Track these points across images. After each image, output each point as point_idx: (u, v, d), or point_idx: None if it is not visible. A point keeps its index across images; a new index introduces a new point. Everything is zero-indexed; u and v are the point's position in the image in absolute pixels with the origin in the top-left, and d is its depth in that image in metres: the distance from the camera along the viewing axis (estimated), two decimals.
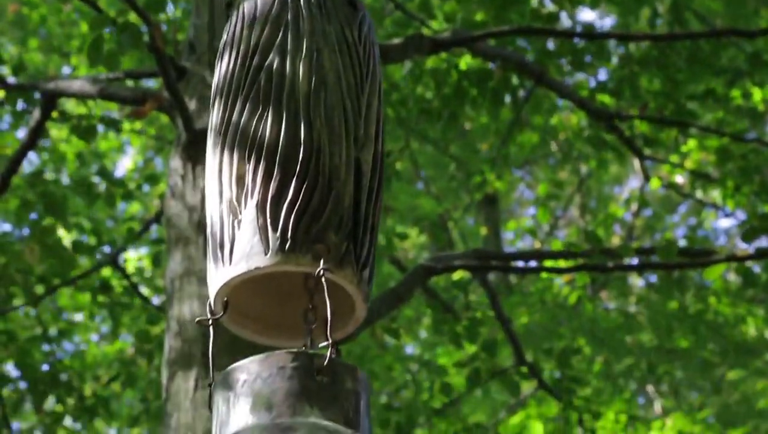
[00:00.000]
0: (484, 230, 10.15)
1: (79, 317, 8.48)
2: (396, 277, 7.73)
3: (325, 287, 1.46)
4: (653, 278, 8.92)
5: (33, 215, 5.79)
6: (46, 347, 6.52)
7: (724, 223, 14.70)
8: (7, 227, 8.45)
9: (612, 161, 6.80)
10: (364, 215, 1.53)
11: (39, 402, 6.13)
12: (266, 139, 1.52)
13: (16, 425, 6.96)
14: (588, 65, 5.90)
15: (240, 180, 1.52)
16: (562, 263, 5.95)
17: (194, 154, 4.12)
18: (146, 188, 7.38)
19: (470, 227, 10.28)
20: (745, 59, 6.05)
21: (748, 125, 6.74)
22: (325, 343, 1.46)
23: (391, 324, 6.03)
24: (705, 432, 7.35)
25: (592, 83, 6.38)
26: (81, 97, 4.78)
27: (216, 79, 1.61)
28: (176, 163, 4.18)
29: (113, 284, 6.51)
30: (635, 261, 5.64)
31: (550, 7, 6.28)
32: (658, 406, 11.16)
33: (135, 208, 8.56)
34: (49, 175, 6.21)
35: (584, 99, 5.86)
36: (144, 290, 7.12)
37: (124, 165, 10.20)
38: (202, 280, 3.89)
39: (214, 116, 1.59)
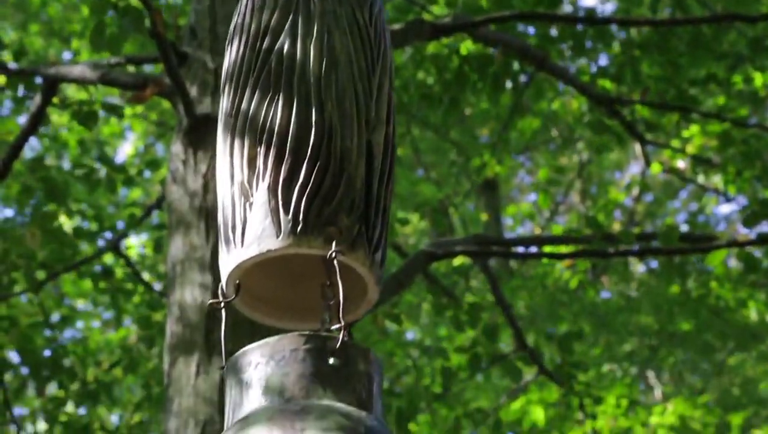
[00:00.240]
0: (484, 216, 10.16)
1: (81, 304, 8.50)
2: (397, 263, 7.74)
3: (337, 270, 1.45)
4: (654, 264, 8.92)
5: (34, 200, 5.79)
6: (47, 333, 6.53)
7: (725, 209, 14.71)
8: (9, 212, 8.46)
9: (612, 146, 6.79)
10: (375, 198, 1.53)
11: (41, 388, 6.14)
12: (277, 122, 1.52)
13: (18, 411, 6.97)
14: (589, 50, 5.90)
15: (251, 163, 1.52)
16: (562, 249, 5.95)
17: (195, 139, 4.12)
18: (147, 174, 7.38)
19: (470, 213, 10.29)
20: (747, 44, 6.04)
21: (750, 110, 6.73)
22: (337, 325, 1.46)
23: (393, 310, 6.03)
24: (706, 416, 7.36)
25: (594, 68, 6.37)
26: (82, 82, 4.77)
27: (226, 63, 1.61)
28: (177, 148, 4.17)
29: (115, 270, 6.52)
30: (636, 247, 5.64)
31: None
32: (658, 392, 11.18)
33: (136, 194, 8.56)
34: (50, 161, 6.21)
35: (585, 84, 5.86)
36: (146, 276, 7.12)
37: (125, 151, 10.18)
38: (204, 266, 3.89)
39: (225, 100, 1.58)
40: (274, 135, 1.52)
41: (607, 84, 6.18)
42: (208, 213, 3.98)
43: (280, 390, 1.42)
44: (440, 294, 6.54)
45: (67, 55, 8.48)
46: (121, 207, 7.61)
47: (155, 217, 7.06)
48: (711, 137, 6.52)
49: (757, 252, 5.99)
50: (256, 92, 1.55)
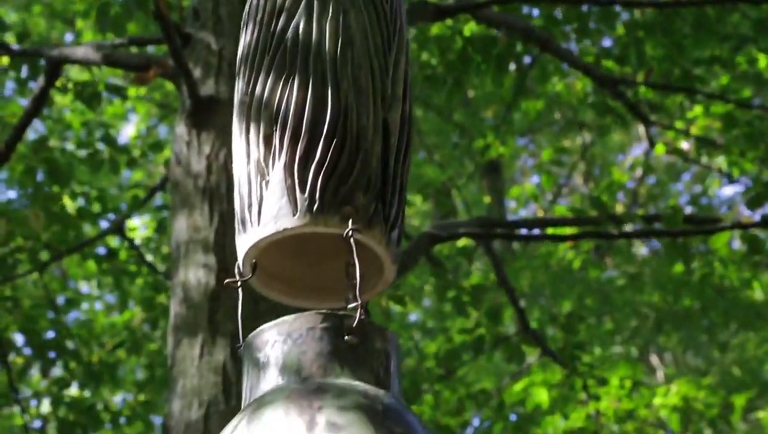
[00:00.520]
0: (487, 199, 10.16)
1: (86, 286, 8.51)
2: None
3: (354, 248, 1.45)
4: (657, 245, 8.92)
5: (39, 179, 5.79)
6: (51, 314, 6.54)
7: (728, 191, 14.70)
8: (12, 194, 8.46)
9: (616, 128, 6.78)
10: (392, 176, 1.52)
11: (45, 369, 6.16)
12: (293, 100, 1.51)
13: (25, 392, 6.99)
14: (593, 32, 5.88)
15: (267, 141, 1.52)
16: (566, 230, 5.95)
17: (199, 121, 4.12)
18: (150, 156, 7.38)
19: (473, 195, 10.29)
20: (750, 25, 6.02)
21: (754, 91, 6.72)
22: (354, 304, 1.46)
23: (396, 292, 6.04)
24: (709, 397, 7.37)
25: (597, 50, 6.36)
26: (85, 63, 4.77)
27: (241, 46, 1.60)
28: (181, 129, 4.17)
29: (119, 252, 6.52)
30: (640, 228, 5.63)
31: None
32: (660, 374, 11.19)
33: (139, 175, 8.56)
34: (53, 143, 6.20)
35: (589, 66, 5.84)
36: (149, 258, 7.13)
37: (127, 133, 10.18)
38: (208, 247, 3.90)
39: (241, 81, 1.58)
40: (290, 114, 1.51)
41: (611, 65, 6.16)
42: (212, 194, 3.99)
43: (298, 368, 1.42)
44: (443, 276, 6.55)
45: (69, 37, 8.47)
46: (125, 189, 7.61)
47: (158, 199, 7.06)
48: (715, 119, 6.51)
49: (760, 234, 5.98)
50: (272, 72, 1.54)
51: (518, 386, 7.14)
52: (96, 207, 6.31)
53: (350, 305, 1.49)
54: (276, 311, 3.21)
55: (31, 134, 7.15)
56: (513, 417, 7.21)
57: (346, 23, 1.54)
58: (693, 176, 11.62)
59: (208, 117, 4.11)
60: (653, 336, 9.84)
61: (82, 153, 6.29)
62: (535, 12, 6.20)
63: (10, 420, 7.32)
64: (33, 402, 6.84)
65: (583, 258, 7.30)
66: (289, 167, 1.49)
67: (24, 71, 5.45)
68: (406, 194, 1.54)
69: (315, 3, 1.54)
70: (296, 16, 1.55)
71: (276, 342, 1.44)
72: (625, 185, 9.30)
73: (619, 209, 8.40)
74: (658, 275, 8.02)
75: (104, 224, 6.45)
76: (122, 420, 6.53)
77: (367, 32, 1.54)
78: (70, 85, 5.09)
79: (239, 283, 1.52)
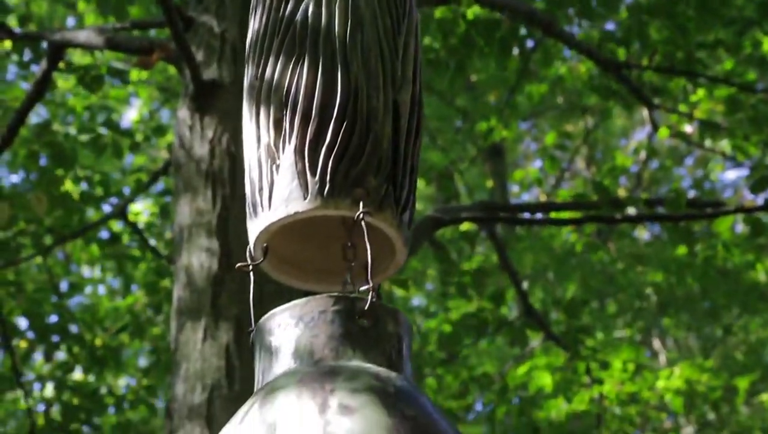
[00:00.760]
0: (490, 183, 10.15)
1: (89, 271, 8.51)
2: None
3: (365, 231, 1.45)
4: (659, 229, 8.91)
5: (42, 163, 5.79)
6: (54, 299, 6.55)
7: (731, 175, 14.70)
8: (15, 178, 8.45)
9: (619, 111, 6.77)
10: (403, 158, 1.52)
11: (49, 353, 6.17)
12: (303, 83, 1.51)
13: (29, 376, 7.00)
14: (596, 14, 5.86)
15: (278, 125, 1.51)
16: (569, 214, 5.94)
17: (202, 104, 4.12)
18: (153, 140, 7.37)
19: (476, 179, 10.28)
20: (755, 9, 6.00)
21: (758, 74, 6.70)
22: (365, 287, 1.45)
23: (399, 276, 6.04)
24: (712, 380, 7.38)
25: (601, 33, 6.34)
26: (88, 47, 4.76)
27: (250, 31, 1.60)
28: (184, 113, 4.17)
29: (122, 236, 6.52)
30: (643, 212, 5.63)
31: None
32: (663, 358, 11.21)
33: (142, 159, 8.56)
34: (56, 127, 6.20)
35: (592, 49, 5.83)
36: (152, 242, 7.13)
37: (130, 117, 10.17)
38: (211, 231, 3.90)
39: (250, 66, 1.58)
40: (300, 97, 1.51)
41: (614, 48, 6.15)
42: (214, 178, 3.98)
43: (309, 352, 1.42)
44: (446, 260, 6.54)
45: (71, 21, 8.45)
46: (127, 173, 7.61)
47: (160, 183, 7.06)
48: (718, 102, 6.50)
49: (764, 218, 5.98)
50: (281, 55, 1.54)
51: (521, 369, 7.15)
52: (99, 191, 6.31)
53: (362, 288, 1.49)
54: (281, 294, 3.21)
55: (33, 119, 7.15)
56: (516, 401, 7.22)
57: (355, 5, 1.53)
58: (695, 160, 11.61)
59: (211, 101, 4.11)
60: (656, 320, 9.85)
61: (85, 137, 6.28)
62: None
63: (14, 404, 7.34)
64: (36, 386, 6.85)
65: (585, 241, 7.29)
66: (299, 151, 1.49)
67: (26, 55, 5.44)
68: (417, 176, 1.54)
69: None
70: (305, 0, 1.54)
71: (287, 325, 1.44)
72: (627, 170, 9.29)
73: (622, 193, 8.40)
74: (661, 258, 8.02)
75: (107, 209, 6.45)
76: (125, 404, 6.54)
77: (377, 14, 1.54)
78: (73, 62, 5.08)
79: (250, 267, 1.52)
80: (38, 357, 7.26)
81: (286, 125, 1.51)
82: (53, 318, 6.33)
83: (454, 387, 7.43)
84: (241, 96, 1.63)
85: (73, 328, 6.31)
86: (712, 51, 6.07)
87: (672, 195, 5.45)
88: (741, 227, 7.48)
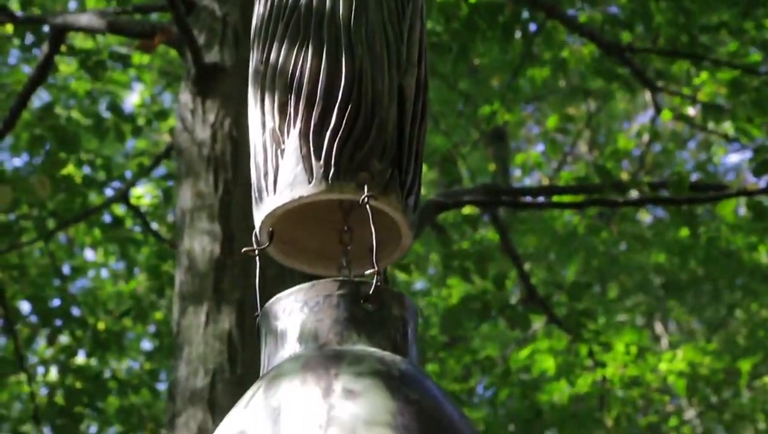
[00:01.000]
0: (492, 166, 10.14)
1: (92, 254, 8.51)
2: None
3: (370, 215, 1.45)
4: (662, 213, 8.90)
5: (46, 148, 5.78)
6: (57, 282, 6.55)
7: (733, 158, 14.69)
8: (17, 162, 8.44)
9: (621, 94, 6.75)
10: (408, 141, 1.52)
11: (52, 337, 6.17)
12: (308, 67, 1.51)
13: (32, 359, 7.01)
14: None
15: (282, 109, 1.51)
16: (571, 198, 5.94)
17: (204, 88, 4.11)
18: (155, 124, 7.36)
19: (478, 163, 10.27)
20: None
21: (762, 57, 6.68)
22: (371, 271, 1.45)
23: (401, 260, 6.03)
24: (714, 363, 7.38)
25: (604, 16, 6.32)
26: (89, 31, 4.75)
27: (255, 16, 1.59)
28: (186, 97, 4.16)
29: (124, 220, 6.52)
30: (646, 195, 5.62)
31: None
32: (665, 342, 11.21)
33: (144, 144, 8.55)
34: (59, 111, 6.19)
35: (595, 32, 5.82)
36: (154, 226, 7.14)
37: (131, 101, 10.15)
38: (213, 215, 3.89)
39: (255, 50, 1.57)
40: (305, 81, 1.51)
41: (617, 32, 6.13)
42: (216, 162, 3.98)
43: (314, 336, 1.42)
44: (449, 244, 6.54)
45: (73, 5, 8.43)
46: (130, 157, 7.61)
47: (162, 167, 7.06)
48: (722, 85, 6.48)
49: (767, 201, 5.97)
50: (286, 39, 1.53)
51: (523, 353, 7.16)
52: (101, 175, 6.31)
53: (367, 272, 1.49)
54: (284, 278, 3.21)
55: (35, 103, 7.14)
56: (519, 384, 7.23)
57: None
58: (698, 144, 11.59)
59: (213, 84, 4.10)
60: (659, 303, 9.84)
61: (87, 121, 6.28)
62: None
63: (18, 388, 7.35)
64: (40, 370, 6.86)
65: (587, 223, 7.29)
66: (304, 135, 1.49)
67: (28, 39, 5.43)
68: (422, 159, 1.53)
69: None
70: None
71: (292, 310, 1.44)
72: (630, 153, 9.28)
73: (624, 177, 8.39)
74: (663, 239, 8.01)
75: (109, 193, 6.45)
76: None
77: None
78: (75, 46, 5.07)
79: (256, 252, 1.52)
80: (41, 340, 7.27)
81: (291, 109, 1.50)
82: (56, 302, 6.33)
83: (457, 371, 7.44)
84: (244, 80, 1.62)
85: (76, 312, 6.32)
86: (716, 34, 6.05)
87: (675, 178, 5.45)
88: (744, 211, 7.47)
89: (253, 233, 1.54)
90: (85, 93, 6.86)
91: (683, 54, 5.89)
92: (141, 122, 6.70)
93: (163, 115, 7.05)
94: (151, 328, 7.41)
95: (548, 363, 6.97)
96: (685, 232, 7.35)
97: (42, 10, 6.21)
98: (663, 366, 7.27)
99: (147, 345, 7.87)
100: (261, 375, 1.44)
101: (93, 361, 6.63)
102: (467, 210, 6.94)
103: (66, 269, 7.11)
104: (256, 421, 1.33)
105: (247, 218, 1.59)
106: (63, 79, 7.43)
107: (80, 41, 6.94)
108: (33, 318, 6.33)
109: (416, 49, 1.55)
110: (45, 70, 4.88)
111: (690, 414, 9.89)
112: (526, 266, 7.33)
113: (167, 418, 3.80)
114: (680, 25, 5.86)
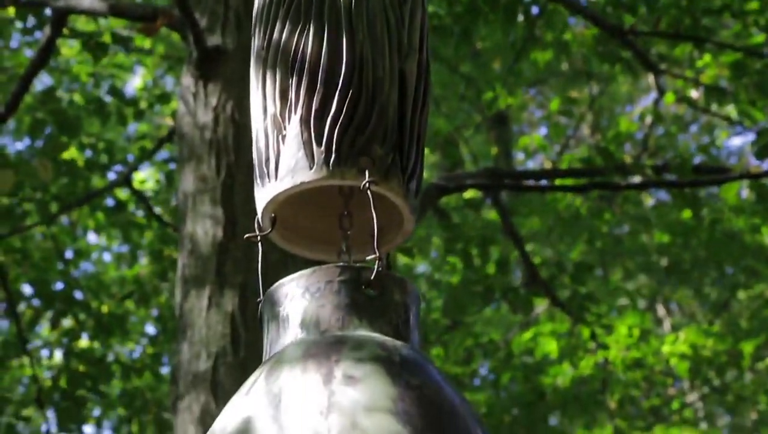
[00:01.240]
0: (494, 150, 10.12)
1: (95, 237, 8.52)
2: None
3: (371, 200, 1.45)
4: (664, 196, 8.90)
5: (47, 131, 5.78)
6: (60, 266, 6.55)
7: (736, 141, 14.66)
8: (20, 145, 8.44)
9: (624, 76, 6.74)
10: (409, 127, 1.51)
11: (55, 320, 6.18)
12: (309, 53, 1.51)
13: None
14: None
15: (284, 95, 1.51)
16: (574, 181, 5.93)
17: (206, 71, 4.10)
18: (157, 107, 7.36)
19: (481, 147, 10.25)
20: None
21: (764, 39, 6.66)
22: (372, 256, 1.45)
23: (404, 243, 6.03)
24: (717, 345, 7.39)
25: None
26: (91, 14, 4.74)
27: (257, 2, 1.59)
28: (188, 80, 4.15)
29: (127, 203, 6.52)
30: (649, 178, 5.61)
31: None
32: (667, 325, 11.22)
33: (146, 127, 8.54)
34: (60, 94, 6.19)
35: (598, 14, 5.80)
36: (157, 210, 7.14)
37: (133, 84, 10.14)
38: (215, 199, 3.89)
39: (257, 35, 1.57)
40: (306, 66, 1.50)
41: (620, 14, 6.11)
42: (219, 146, 3.97)
43: (316, 322, 1.42)
44: (451, 228, 6.54)
45: None
46: (132, 141, 7.60)
47: (164, 150, 7.05)
48: (724, 68, 6.47)
49: None
50: (287, 24, 1.53)
51: (526, 336, 7.16)
52: (103, 159, 6.30)
53: (369, 257, 1.49)
54: (285, 264, 3.21)
55: (37, 86, 7.13)
56: (521, 367, 7.24)
57: None
58: (701, 126, 11.57)
59: (215, 68, 4.09)
60: (661, 286, 9.84)
61: (89, 105, 6.27)
62: None
63: (20, 371, 7.37)
64: (44, 352, 6.87)
65: (589, 205, 7.29)
66: (305, 121, 1.48)
67: (29, 21, 5.42)
68: (424, 144, 1.53)
69: None
70: None
71: (294, 295, 1.44)
72: (633, 136, 9.27)
73: (627, 160, 8.37)
74: (666, 221, 8.01)
75: (112, 176, 6.45)
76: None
77: None
78: (77, 28, 5.06)
79: (259, 237, 1.52)
80: (44, 324, 7.28)
81: (292, 95, 1.50)
82: (59, 286, 6.34)
83: (459, 354, 7.45)
84: (245, 63, 1.62)
85: (79, 295, 6.32)
86: (719, 16, 6.03)
87: (677, 161, 5.44)
88: (746, 193, 7.46)
89: (255, 219, 1.54)
90: (87, 77, 6.84)
91: (686, 37, 5.88)
92: (143, 105, 6.69)
93: (165, 98, 7.05)
94: (154, 312, 7.42)
95: (551, 346, 6.97)
96: (687, 214, 7.35)
97: None
98: (665, 349, 7.27)
99: (150, 328, 7.87)
100: (263, 361, 1.45)
101: (96, 345, 6.64)
102: (469, 194, 6.94)
103: (69, 253, 7.11)
104: (258, 408, 1.33)
105: (250, 201, 1.59)
106: (65, 63, 7.42)
107: (82, 24, 6.93)
108: (36, 302, 6.34)
109: (417, 33, 1.54)
110: (47, 53, 4.87)
111: (693, 397, 9.90)
112: (529, 248, 7.32)
113: (170, 401, 3.80)
114: (683, 7, 5.84)
